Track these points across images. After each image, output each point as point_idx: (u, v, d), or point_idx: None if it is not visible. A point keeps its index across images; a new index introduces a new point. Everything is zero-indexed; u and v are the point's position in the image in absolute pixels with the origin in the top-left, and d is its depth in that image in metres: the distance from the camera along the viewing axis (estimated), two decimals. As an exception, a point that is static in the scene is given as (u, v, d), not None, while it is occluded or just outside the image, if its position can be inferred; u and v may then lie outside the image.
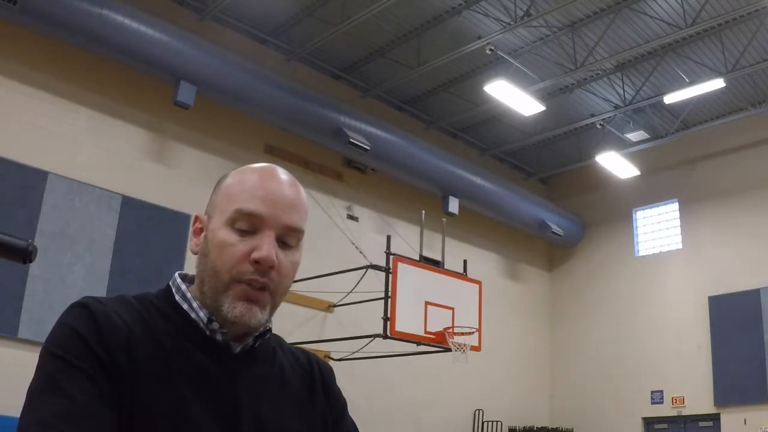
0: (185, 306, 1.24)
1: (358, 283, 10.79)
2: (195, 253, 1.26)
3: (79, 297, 1.19)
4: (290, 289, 1.28)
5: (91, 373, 1.08)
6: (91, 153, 10.41)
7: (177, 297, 1.25)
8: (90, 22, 9.55)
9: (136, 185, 10.69)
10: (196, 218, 1.28)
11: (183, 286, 1.26)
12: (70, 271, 9.78)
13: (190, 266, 1.30)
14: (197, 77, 10.60)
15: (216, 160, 11.60)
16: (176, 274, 1.29)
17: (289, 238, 1.23)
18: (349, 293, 11.19)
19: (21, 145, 9.65)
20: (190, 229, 1.29)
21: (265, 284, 1.19)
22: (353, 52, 13.12)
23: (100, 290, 9.68)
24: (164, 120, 11.23)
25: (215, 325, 1.21)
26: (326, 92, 12.62)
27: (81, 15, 9.46)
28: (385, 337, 9.53)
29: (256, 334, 1.26)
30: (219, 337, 1.22)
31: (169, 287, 1.28)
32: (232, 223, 1.20)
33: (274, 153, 12.24)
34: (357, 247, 12.00)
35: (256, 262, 1.18)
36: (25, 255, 1.17)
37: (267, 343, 1.31)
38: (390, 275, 9.68)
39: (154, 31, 10.13)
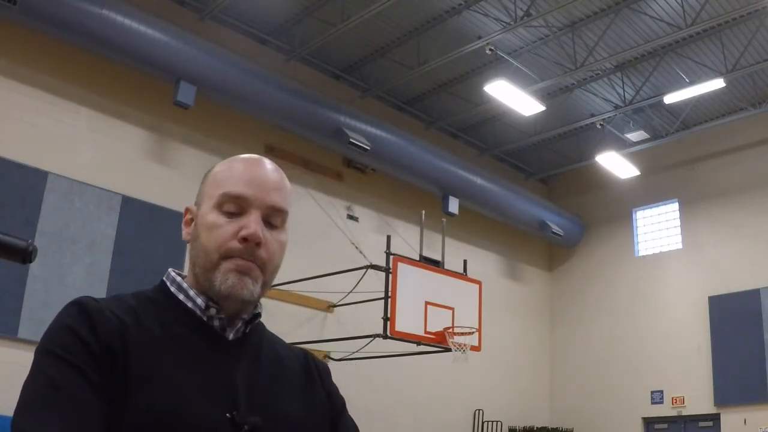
0: (181, 296, 1.28)
1: (358, 283, 10.77)
2: (187, 241, 1.32)
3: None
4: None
5: (84, 368, 1.10)
6: (91, 153, 10.40)
7: (172, 288, 1.30)
8: (90, 22, 9.54)
9: (136, 185, 10.69)
10: (187, 210, 1.35)
11: (178, 278, 1.31)
12: (70, 271, 9.77)
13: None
14: (197, 77, 10.59)
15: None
16: (170, 269, 1.34)
17: (274, 218, 1.29)
18: (349, 293, 11.17)
19: (21, 145, 9.64)
20: (183, 221, 1.35)
21: (254, 261, 1.25)
22: (353, 52, 13.12)
23: (100, 290, 9.66)
24: (164, 120, 11.22)
25: (212, 311, 1.26)
26: (326, 92, 12.61)
27: (81, 15, 9.45)
28: (385, 337, 9.52)
29: (247, 318, 1.29)
30: (216, 322, 1.26)
31: (163, 281, 1.32)
32: (219, 207, 1.27)
33: (274, 153, 12.22)
34: (357, 247, 11.98)
35: (244, 239, 1.23)
36: (25, 255, 1.17)
37: (259, 330, 1.35)
38: (390, 275, 9.67)
39: (154, 31, 10.12)
